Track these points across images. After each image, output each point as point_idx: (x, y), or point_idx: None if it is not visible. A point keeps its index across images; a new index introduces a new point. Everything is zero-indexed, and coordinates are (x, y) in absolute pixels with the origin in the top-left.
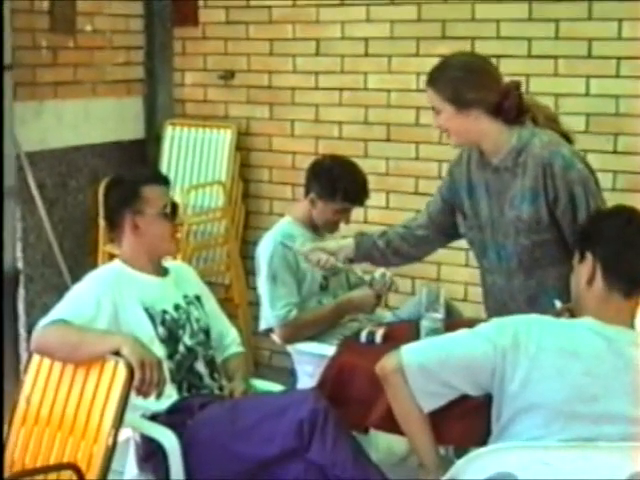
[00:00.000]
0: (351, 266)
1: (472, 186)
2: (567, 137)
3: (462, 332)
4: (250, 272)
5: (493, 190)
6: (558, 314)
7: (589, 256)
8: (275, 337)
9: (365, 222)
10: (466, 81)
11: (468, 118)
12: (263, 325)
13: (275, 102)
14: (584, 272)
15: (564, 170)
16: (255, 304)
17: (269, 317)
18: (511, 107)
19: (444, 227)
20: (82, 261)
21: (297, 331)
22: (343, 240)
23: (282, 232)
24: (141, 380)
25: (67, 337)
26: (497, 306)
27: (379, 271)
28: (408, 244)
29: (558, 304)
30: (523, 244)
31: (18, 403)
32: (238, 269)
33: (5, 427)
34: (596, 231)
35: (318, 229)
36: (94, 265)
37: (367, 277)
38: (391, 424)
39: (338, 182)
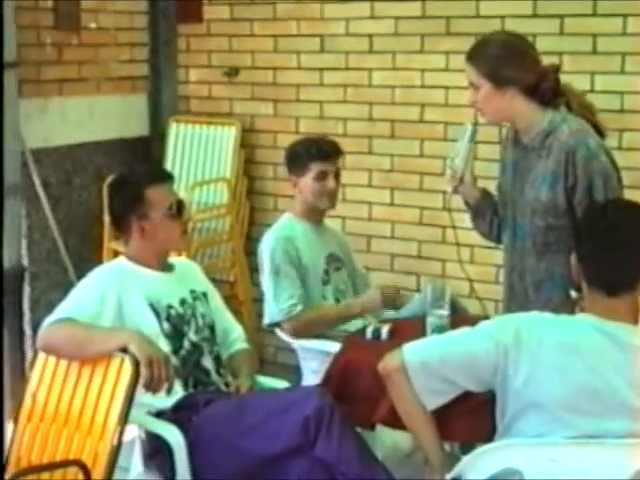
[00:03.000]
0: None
1: (505, 162)
2: (599, 130)
3: (464, 329)
4: (254, 269)
5: (519, 168)
6: (574, 304)
7: (575, 254)
8: (280, 332)
9: (369, 219)
10: (505, 59)
11: (504, 96)
12: (267, 320)
13: (280, 99)
14: (575, 270)
15: (586, 160)
16: (260, 301)
17: (273, 312)
18: (547, 89)
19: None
20: (87, 258)
21: (304, 326)
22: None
23: (283, 228)
24: (150, 377)
25: (73, 335)
26: (506, 286)
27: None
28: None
29: (574, 294)
30: (538, 225)
31: (24, 400)
32: (242, 266)
33: (10, 424)
34: (579, 229)
35: (318, 219)
36: (99, 262)
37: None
38: (397, 420)
39: (301, 150)
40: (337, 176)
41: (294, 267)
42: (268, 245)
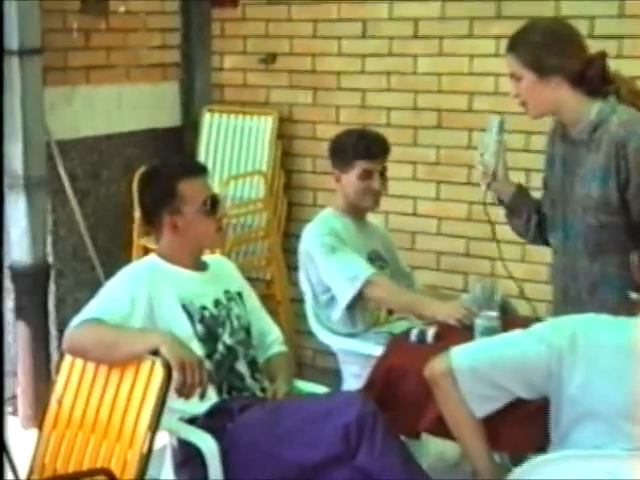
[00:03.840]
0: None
1: (553, 158)
2: None
3: (515, 332)
4: (292, 267)
5: (569, 164)
6: (633, 306)
7: (637, 253)
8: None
9: (414, 215)
10: (549, 47)
11: (549, 86)
12: (344, 300)
13: (319, 87)
14: (636, 269)
15: (638, 152)
16: (298, 301)
17: (347, 286)
18: (594, 77)
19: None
20: (115, 255)
21: (385, 291)
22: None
23: (323, 224)
24: (182, 382)
25: (102, 337)
26: (559, 288)
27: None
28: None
29: (634, 295)
30: (590, 224)
31: (49, 405)
32: (280, 264)
33: (35, 430)
34: (638, 227)
35: (361, 215)
36: (128, 259)
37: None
38: (443, 428)
39: (347, 144)
40: (383, 174)
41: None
42: (314, 233)
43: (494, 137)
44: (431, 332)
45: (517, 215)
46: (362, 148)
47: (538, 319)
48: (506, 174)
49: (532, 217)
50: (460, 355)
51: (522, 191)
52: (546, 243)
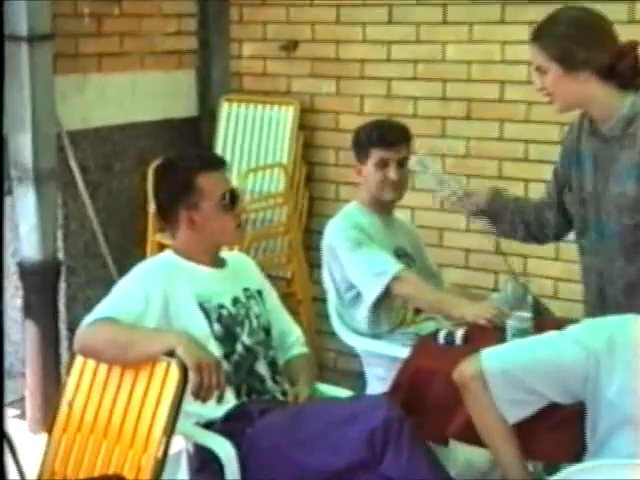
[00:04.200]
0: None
1: (580, 156)
2: None
3: (550, 334)
4: (314, 265)
5: (600, 162)
6: None
7: None
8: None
9: (442, 210)
10: (577, 39)
11: (577, 80)
12: (370, 296)
13: (342, 76)
14: None
15: None
16: (319, 300)
17: (373, 282)
18: (625, 70)
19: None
20: (129, 251)
21: (412, 287)
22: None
23: (347, 219)
24: (199, 384)
25: (115, 337)
26: (593, 291)
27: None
28: (538, 223)
29: None
30: (626, 224)
31: (60, 408)
32: (301, 261)
33: (45, 434)
34: None
35: (386, 210)
36: (142, 256)
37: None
38: (472, 434)
39: (363, 134)
40: (402, 164)
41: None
42: (337, 228)
43: (428, 174)
44: (460, 333)
45: (501, 219)
46: (376, 136)
47: (573, 320)
48: (464, 187)
49: (515, 216)
50: (491, 357)
51: (497, 193)
52: (537, 240)
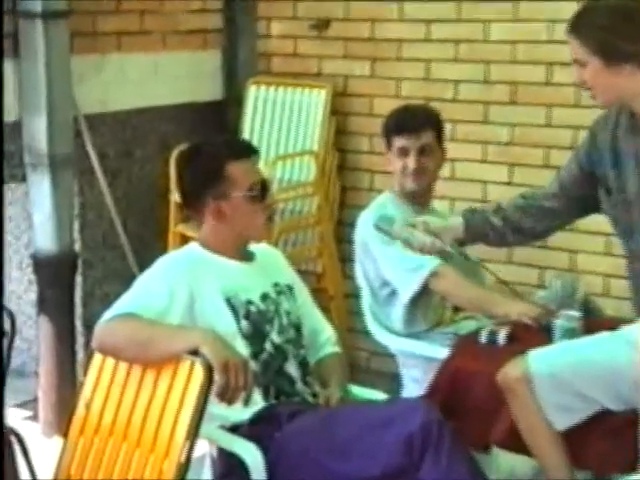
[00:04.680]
0: (464, 250)
1: (618, 155)
2: None
3: (601, 335)
4: (346, 259)
5: None
6: None
7: None
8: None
9: (483, 201)
10: (618, 30)
11: (619, 74)
12: (407, 294)
13: (377, 57)
14: None
15: None
16: (352, 296)
17: (411, 277)
18: None
19: (579, 200)
20: (149, 243)
21: (452, 284)
22: (449, 219)
23: (380, 210)
24: (225, 385)
25: (136, 334)
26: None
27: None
28: (532, 218)
29: None
30: None
31: (76, 409)
32: (332, 255)
33: (59, 438)
34: None
35: (423, 201)
36: (163, 248)
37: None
38: (517, 441)
39: (387, 119)
40: (423, 152)
41: None
42: (371, 220)
43: (390, 238)
44: (503, 333)
45: (486, 237)
46: (395, 123)
47: (625, 320)
48: (429, 227)
49: (499, 228)
50: (538, 359)
51: (471, 218)
52: (537, 237)
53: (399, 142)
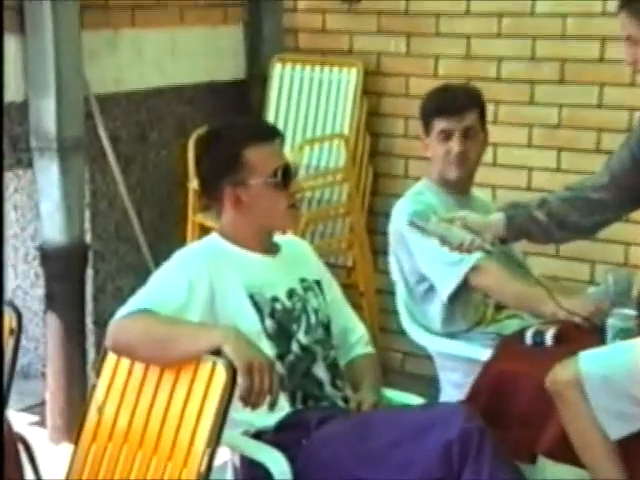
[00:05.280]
0: (509, 246)
1: None
2: None
3: None
4: (379, 251)
5: None
6: None
7: None
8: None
9: (528, 189)
10: None
11: None
12: (445, 290)
13: (413, 32)
14: None
15: None
16: (385, 292)
17: (450, 273)
18: None
19: (630, 191)
20: (166, 234)
21: (494, 280)
22: (490, 215)
23: (415, 199)
24: (249, 388)
25: (152, 331)
26: None
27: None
28: (579, 212)
29: None
30: None
31: (88, 413)
32: (363, 247)
33: (68, 444)
34: None
35: (462, 189)
36: (181, 240)
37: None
38: (566, 451)
39: (425, 101)
40: (467, 135)
41: None
42: (406, 210)
43: (425, 235)
44: (551, 333)
45: (530, 234)
46: (435, 104)
47: None
48: (467, 224)
49: (540, 222)
50: (590, 362)
51: (511, 212)
52: (582, 233)
53: (440, 124)
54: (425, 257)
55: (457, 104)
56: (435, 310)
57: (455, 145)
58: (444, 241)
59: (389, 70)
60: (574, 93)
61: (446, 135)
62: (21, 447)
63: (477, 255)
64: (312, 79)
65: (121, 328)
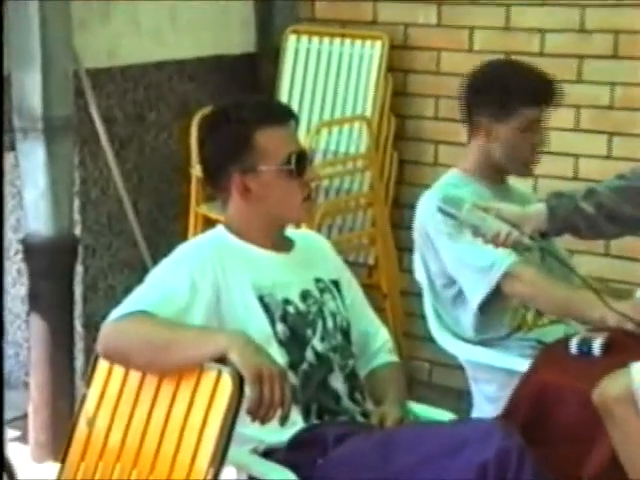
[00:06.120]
0: (551, 242)
1: None
2: None
3: None
4: (404, 247)
5: None
6: None
7: None
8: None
9: (575, 178)
10: None
11: None
12: (476, 297)
13: (445, 1)
14: None
15: None
16: (411, 294)
17: (480, 278)
18: None
19: None
20: (165, 227)
21: (530, 286)
22: (530, 206)
23: (444, 191)
24: (258, 399)
25: (150, 336)
26: None
27: None
28: (632, 204)
29: None
30: None
31: (76, 429)
32: (387, 243)
33: (52, 462)
34: None
35: (499, 178)
36: (182, 233)
37: None
38: (617, 475)
39: (509, 83)
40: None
41: None
42: (434, 204)
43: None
44: (599, 341)
45: (573, 227)
46: (531, 90)
47: None
48: (504, 214)
49: (588, 214)
50: None
51: (554, 202)
52: (635, 228)
53: (531, 114)
54: (452, 259)
55: (554, 92)
56: (467, 316)
57: (537, 137)
58: (477, 232)
59: (417, 43)
60: (629, 70)
61: (531, 125)
62: None
63: (509, 260)
64: (330, 53)
65: (114, 332)
